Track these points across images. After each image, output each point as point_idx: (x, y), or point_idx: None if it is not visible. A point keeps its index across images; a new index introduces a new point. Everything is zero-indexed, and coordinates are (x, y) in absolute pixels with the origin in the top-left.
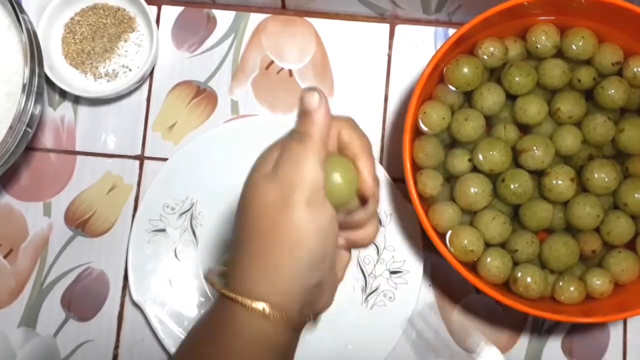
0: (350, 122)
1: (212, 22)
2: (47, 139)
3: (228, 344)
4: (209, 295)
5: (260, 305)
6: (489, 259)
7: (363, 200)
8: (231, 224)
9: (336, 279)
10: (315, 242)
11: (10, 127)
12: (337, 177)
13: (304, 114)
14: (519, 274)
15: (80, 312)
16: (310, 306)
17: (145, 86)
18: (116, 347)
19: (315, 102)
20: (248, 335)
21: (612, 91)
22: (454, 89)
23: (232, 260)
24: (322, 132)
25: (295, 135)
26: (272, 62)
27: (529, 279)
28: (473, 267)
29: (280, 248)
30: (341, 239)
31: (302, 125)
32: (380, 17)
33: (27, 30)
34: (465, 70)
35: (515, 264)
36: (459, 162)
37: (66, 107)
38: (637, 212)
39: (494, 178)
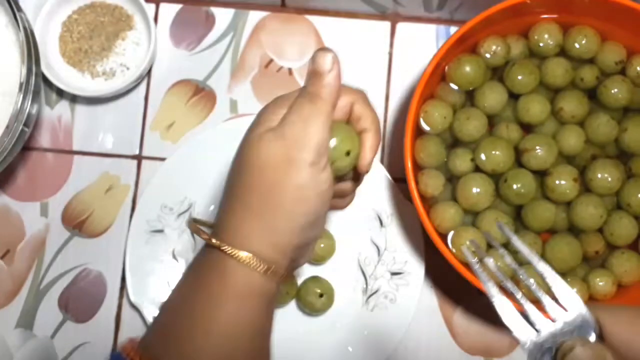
0: (364, 96)
1: (210, 20)
2: (44, 139)
3: (214, 292)
4: None
5: (249, 255)
6: (491, 260)
7: (355, 175)
8: None
9: (314, 244)
10: (315, 204)
11: (7, 127)
12: (339, 144)
13: (315, 75)
14: (521, 275)
15: (77, 313)
16: (295, 262)
17: (143, 85)
18: (114, 348)
19: (329, 63)
20: (235, 284)
21: (615, 90)
22: (455, 87)
23: (224, 211)
24: (333, 95)
25: (306, 95)
26: (271, 60)
27: (531, 280)
28: None
29: (280, 205)
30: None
31: (313, 86)
32: (381, 15)
33: (25, 28)
34: (467, 68)
35: (518, 264)
36: (461, 161)
37: (63, 106)
38: None
39: (497, 178)
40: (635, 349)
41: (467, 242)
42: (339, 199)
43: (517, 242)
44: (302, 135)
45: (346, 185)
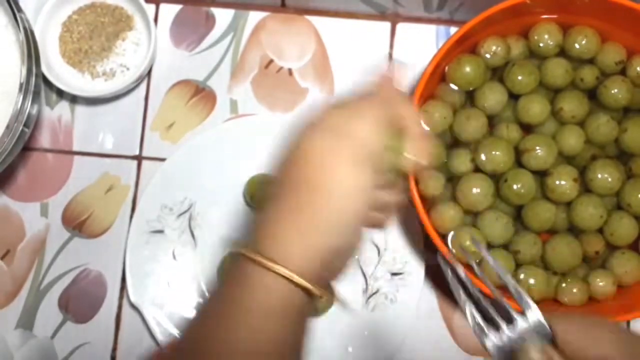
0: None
1: (210, 20)
2: (44, 139)
3: (244, 303)
4: (207, 297)
5: (279, 267)
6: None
7: (399, 180)
8: (230, 224)
9: (352, 254)
10: (353, 202)
11: (7, 127)
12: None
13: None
14: (522, 276)
15: (77, 313)
16: (327, 273)
17: (143, 85)
18: (114, 349)
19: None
20: (265, 295)
21: (615, 90)
22: (455, 88)
23: (260, 219)
24: (384, 95)
25: (357, 94)
26: (271, 61)
27: (531, 281)
28: None
29: (319, 200)
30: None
31: (368, 86)
32: (381, 15)
33: (25, 29)
34: (467, 69)
35: (518, 265)
36: (461, 162)
37: (63, 106)
38: None
39: (497, 178)
40: (583, 357)
41: (455, 248)
42: (380, 213)
43: (488, 257)
44: (350, 127)
45: (388, 196)
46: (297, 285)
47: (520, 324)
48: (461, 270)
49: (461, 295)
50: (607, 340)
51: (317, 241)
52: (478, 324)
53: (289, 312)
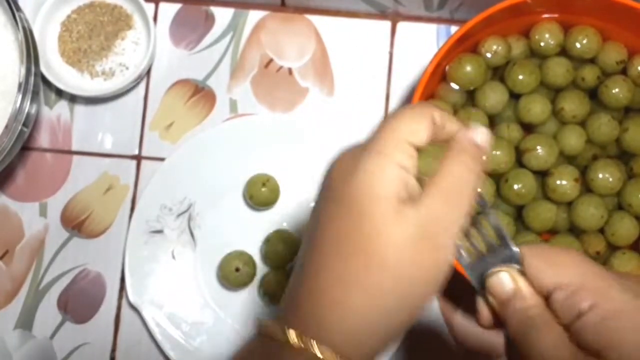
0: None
1: (210, 19)
2: (43, 139)
3: None
4: (207, 298)
5: (317, 351)
6: None
7: None
8: (227, 224)
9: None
10: (433, 287)
11: (6, 127)
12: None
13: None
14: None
15: (76, 314)
16: (379, 354)
17: (143, 85)
18: (113, 349)
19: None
20: None
21: (616, 90)
22: (456, 87)
23: (291, 282)
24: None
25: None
26: (271, 60)
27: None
28: None
29: (358, 261)
30: None
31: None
32: (382, 15)
33: (24, 28)
34: (468, 68)
35: None
36: None
37: (62, 106)
38: None
39: (497, 178)
40: (543, 278)
41: None
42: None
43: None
44: (439, 213)
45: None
46: None
47: (499, 252)
48: None
49: None
50: (569, 268)
51: (356, 324)
52: (459, 247)
53: None
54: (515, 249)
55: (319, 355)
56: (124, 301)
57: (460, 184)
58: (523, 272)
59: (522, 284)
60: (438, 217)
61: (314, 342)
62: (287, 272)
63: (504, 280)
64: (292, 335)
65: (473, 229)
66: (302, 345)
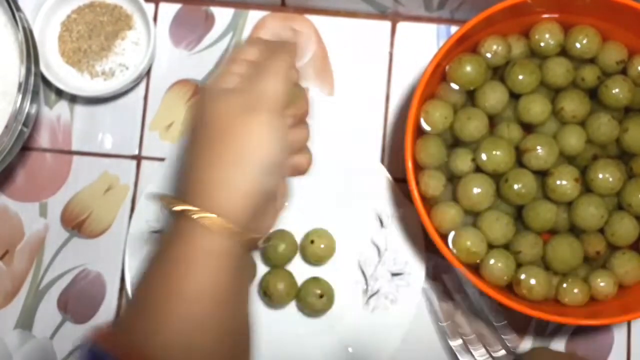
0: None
1: (210, 19)
2: (43, 139)
3: (178, 255)
4: None
5: (205, 215)
6: (492, 261)
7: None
8: None
9: (278, 206)
10: (271, 147)
11: (6, 127)
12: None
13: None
14: (523, 276)
15: (77, 314)
16: (255, 222)
17: (143, 85)
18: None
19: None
20: (197, 246)
21: (617, 90)
22: (456, 87)
23: (180, 176)
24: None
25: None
26: None
27: (532, 281)
28: (476, 268)
29: (236, 149)
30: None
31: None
32: (382, 15)
33: (24, 28)
34: (468, 68)
35: (519, 265)
36: (462, 162)
37: (62, 106)
38: None
39: (497, 178)
40: None
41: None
42: (298, 156)
43: (474, 295)
44: (259, 87)
45: (299, 133)
46: (228, 229)
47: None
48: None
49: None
50: None
51: (242, 185)
52: (462, 347)
53: (219, 256)
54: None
55: (209, 219)
56: (124, 301)
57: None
58: None
59: None
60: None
61: (204, 213)
62: (287, 272)
63: None
64: (185, 209)
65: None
66: (195, 215)
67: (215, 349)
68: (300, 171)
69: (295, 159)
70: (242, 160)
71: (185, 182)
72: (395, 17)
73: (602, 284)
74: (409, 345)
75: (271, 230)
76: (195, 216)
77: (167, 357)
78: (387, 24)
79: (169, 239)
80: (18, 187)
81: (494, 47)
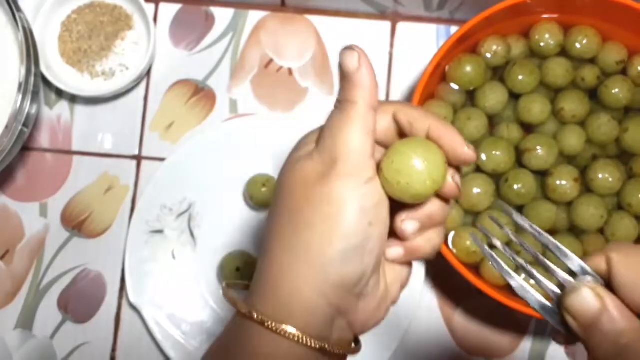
0: (404, 103)
1: (210, 19)
2: (44, 139)
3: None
4: (207, 298)
5: (281, 325)
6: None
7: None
8: (227, 224)
9: (387, 293)
10: (354, 222)
11: (6, 127)
12: (418, 162)
13: (345, 79)
14: (523, 276)
15: (77, 314)
16: (345, 315)
17: (143, 85)
18: (113, 349)
19: (355, 62)
20: (266, 357)
21: (616, 90)
22: (456, 87)
23: (257, 269)
24: (367, 97)
25: (337, 105)
26: (271, 60)
27: (532, 281)
28: (476, 268)
29: (310, 225)
30: (399, 247)
31: (343, 93)
32: (382, 15)
33: (24, 28)
34: (468, 68)
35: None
36: None
37: (62, 106)
38: None
39: (497, 178)
40: (638, 289)
41: (470, 235)
42: (424, 234)
43: (518, 218)
44: (335, 148)
45: (432, 207)
46: (302, 344)
47: (564, 275)
48: (498, 242)
49: (502, 266)
50: None
51: (317, 279)
52: (531, 294)
53: None
54: (591, 271)
55: (289, 331)
56: (124, 301)
57: None
58: (608, 286)
59: (609, 303)
60: None
61: (279, 325)
62: None
63: (587, 298)
64: (258, 315)
65: (510, 250)
66: (269, 324)
67: None
68: (425, 255)
69: (415, 242)
70: (310, 247)
71: (257, 270)
72: (395, 18)
73: None
74: (409, 345)
75: (378, 322)
76: (264, 321)
77: None
78: (387, 24)
79: (230, 341)
80: (18, 187)
81: (494, 47)
